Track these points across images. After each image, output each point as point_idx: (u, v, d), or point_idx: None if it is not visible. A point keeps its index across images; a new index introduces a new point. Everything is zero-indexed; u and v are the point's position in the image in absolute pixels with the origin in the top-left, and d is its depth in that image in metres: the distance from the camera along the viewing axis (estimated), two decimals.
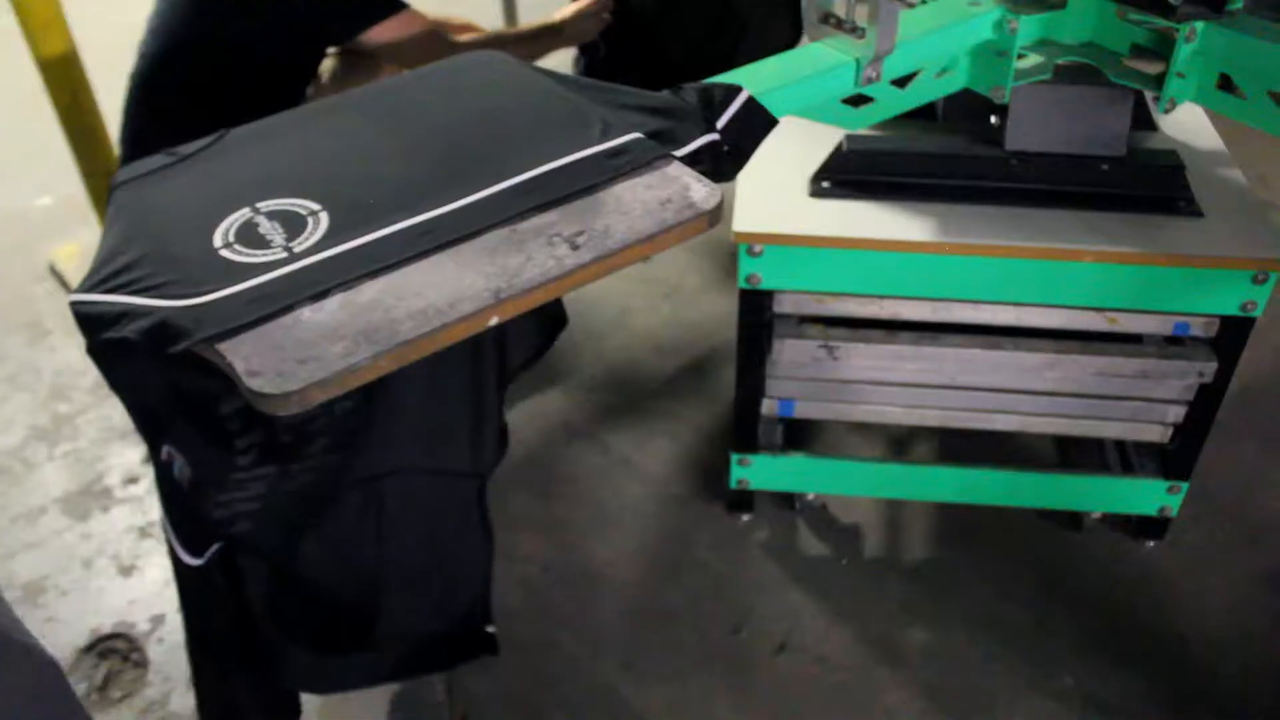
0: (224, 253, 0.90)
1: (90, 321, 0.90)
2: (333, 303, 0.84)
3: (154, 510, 2.14)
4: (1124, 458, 1.83)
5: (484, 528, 1.39)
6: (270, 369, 0.79)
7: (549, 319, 1.34)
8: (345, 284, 0.85)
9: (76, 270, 2.77)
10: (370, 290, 0.85)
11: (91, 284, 0.92)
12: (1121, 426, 1.67)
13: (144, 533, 2.11)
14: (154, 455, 1.12)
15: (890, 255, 1.48)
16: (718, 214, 0.93)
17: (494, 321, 0.84)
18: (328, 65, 2.21)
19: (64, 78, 2.41)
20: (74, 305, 0.92)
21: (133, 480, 2.24)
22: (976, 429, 1.71)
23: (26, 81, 2.64)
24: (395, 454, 1.19)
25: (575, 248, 0.88)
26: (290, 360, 0.79)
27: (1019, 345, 1.58)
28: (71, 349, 2.60)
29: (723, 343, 2.35)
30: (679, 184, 0.97)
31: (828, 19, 1.25)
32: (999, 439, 1.83)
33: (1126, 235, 1.48)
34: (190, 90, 1.93)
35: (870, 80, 1.22)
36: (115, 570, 2.03)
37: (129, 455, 2.28)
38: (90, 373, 2.49)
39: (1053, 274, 1.48)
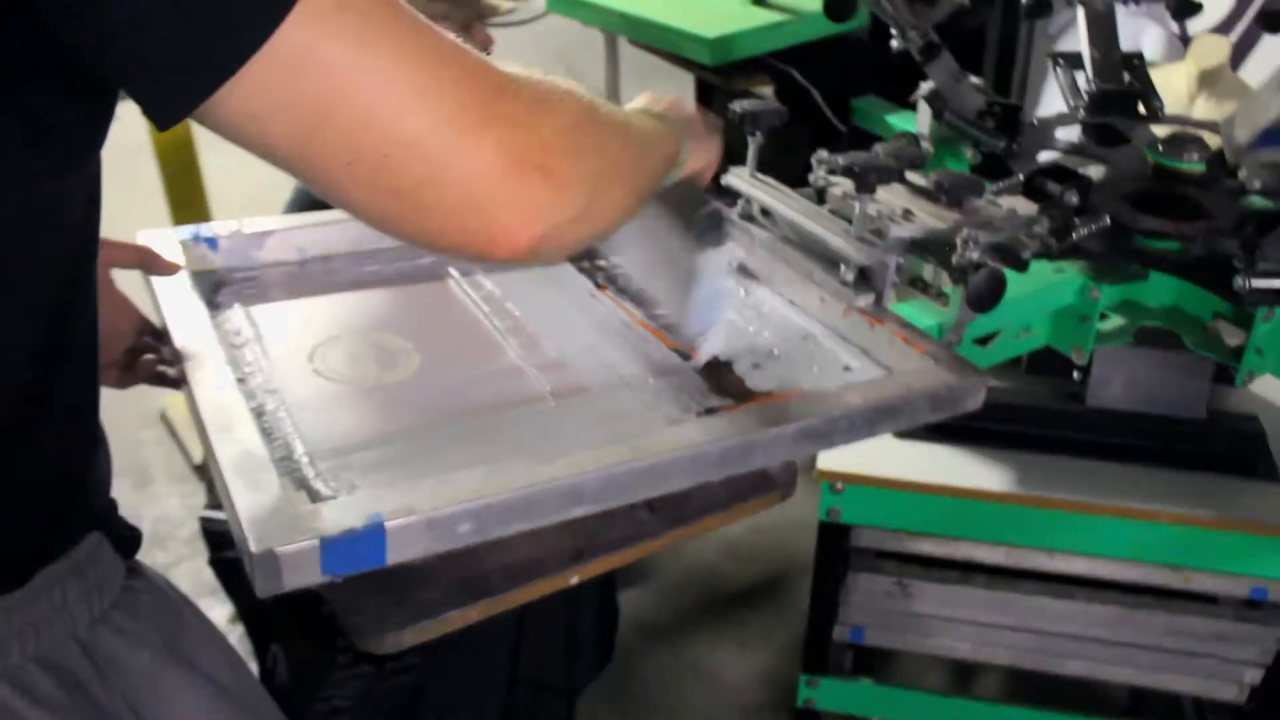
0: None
1: (213, 538, 0.98)
2: None
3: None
4: (1200, 712, 1.80)
5: None
6: (370, 609, 0.85)
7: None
8: None
9: (186, 420, 2.91)
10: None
11: (217, 501, 1.01)
12: (1195, 683, 1.66)
13: None
14: (259, 659, 1.19)
15: (967, 502, 1.52)
16: (792, 488, 0.99)
17: (574, 580, 0.90)
18: None
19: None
20: (202, 521, 1.00)
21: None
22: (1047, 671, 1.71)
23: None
24: (489, 663, 1.24)
25: (653, 511, 0.94)
26: (389, 603, 0.85)
27: (1091, 597, 1.59)
28: (173, 498, 2.72)
29: (799, 553, 2.38)
30: None
31: (915, 282, 1.32)
32: (1071, 680, 1.82)
33: (1204, 498, 1.50)
34: None
35: (952, 344, 1.29)
36: None
37: (217, 612, 2.37)
38: (188, 524, 2.61)
39: (1128, 531, 1.51)
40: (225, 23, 0.58)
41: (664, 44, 2.50)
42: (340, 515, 0.72)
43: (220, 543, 0.96)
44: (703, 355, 1.01)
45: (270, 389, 0.95)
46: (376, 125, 0.62)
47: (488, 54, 2.40)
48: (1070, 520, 1.51)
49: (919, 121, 1.70)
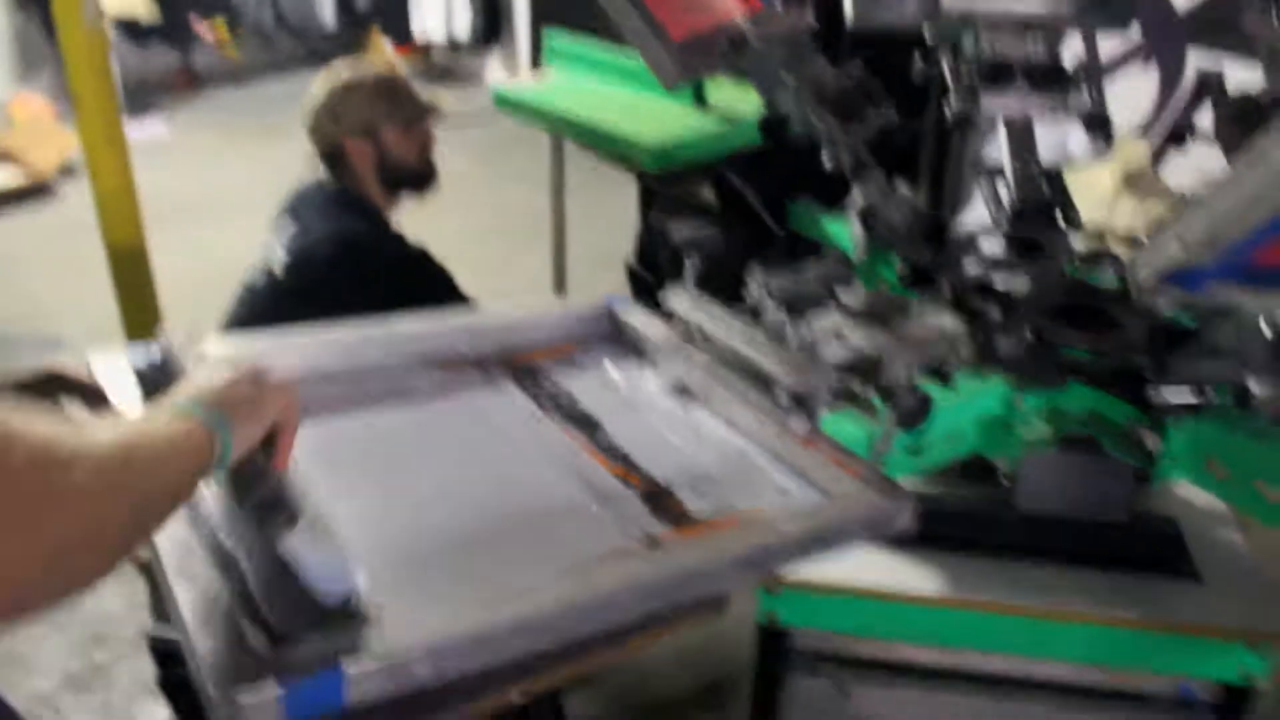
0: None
1: (160, 656, 0.98)
2: None
3: None
4: None
5: None
6: None
7: None
8: None
9: None
10: None
11: (161, 608, 1.02)
12: None
13: None
14: None
15: (904, 605, 1.56)
16: (729, 603, 1.02)
17: (515, 697, 0.92)
18: None
19: None
20: (150, 640, 1.01)
21: None
22: None
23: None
24: None
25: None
26: None
27: (1027, 696, 1.62)
28: (115, 598, 2.68)
29: (741, 655, 2.40)
30: None
31: (845, 393, 1.37)
32: None
33: (1129, 598, 1.54)
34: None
35: (880, 453, 1.33)
36: None
37: (159, 714, 2.33)
38: (131, 623, 2.57)
39: (1056, 631, 1.55)
40: None
41: (607, 147, 2.58)
42: (299, 660, 0.75)
43: (167, 660, 0.97)
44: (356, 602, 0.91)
45: (222, 525, 0.95)
46: None
47: (428, 151, 2.46)
48: (1003, 622, 1.55)
49: (851, 230, 1.77)
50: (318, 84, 2.43)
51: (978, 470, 1.66)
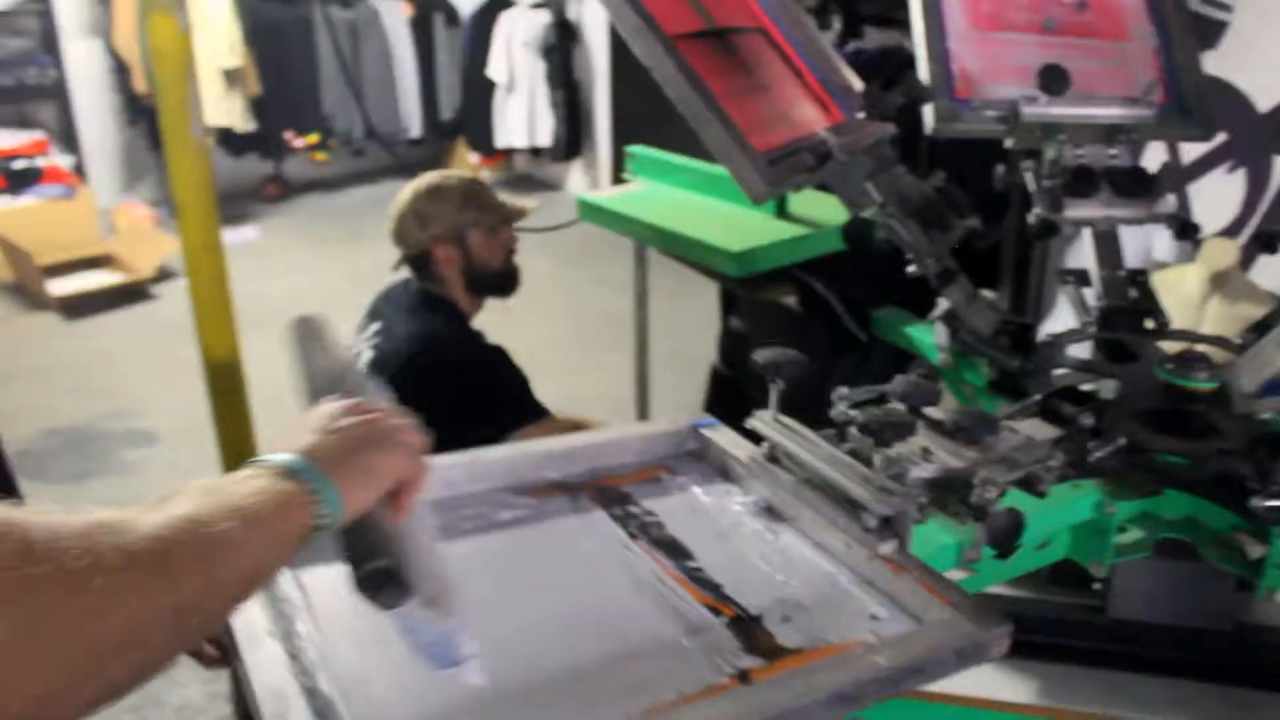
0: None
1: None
2: None
3: None
4: None
5: None
6: None
7: None
8: None
9: None
10: None
11: (240, 696, 1.03)
12: None
13: None
14: None
15: (990, 713, 1.52)
16: None
17: None
18: None
19: None
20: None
21: None
22: None
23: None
24: None
25: None
26: None
27: None
28: (194, 685, 2.71)
29: None
30: None
31: (939, 485, 1.36)
32: None
33: (1230, 711, 1.50)
34: None
35: (971, 560, 1.32)
36: None
37: None
38: (211, 712, 2.60)
39: None
40: None
41: (691, 255, 2.62)
42: None
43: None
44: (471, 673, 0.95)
45: (322, 664, 0.98)
46: None
47: (511, 254, 2.51)
48: None
49: (936, 336, 1.78)
50: (406, 191, 2.52)
51: (1069, 575, 1.64)
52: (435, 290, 2.50)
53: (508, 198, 2.59)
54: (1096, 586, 1.62)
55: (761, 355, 1.33)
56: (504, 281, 2.59)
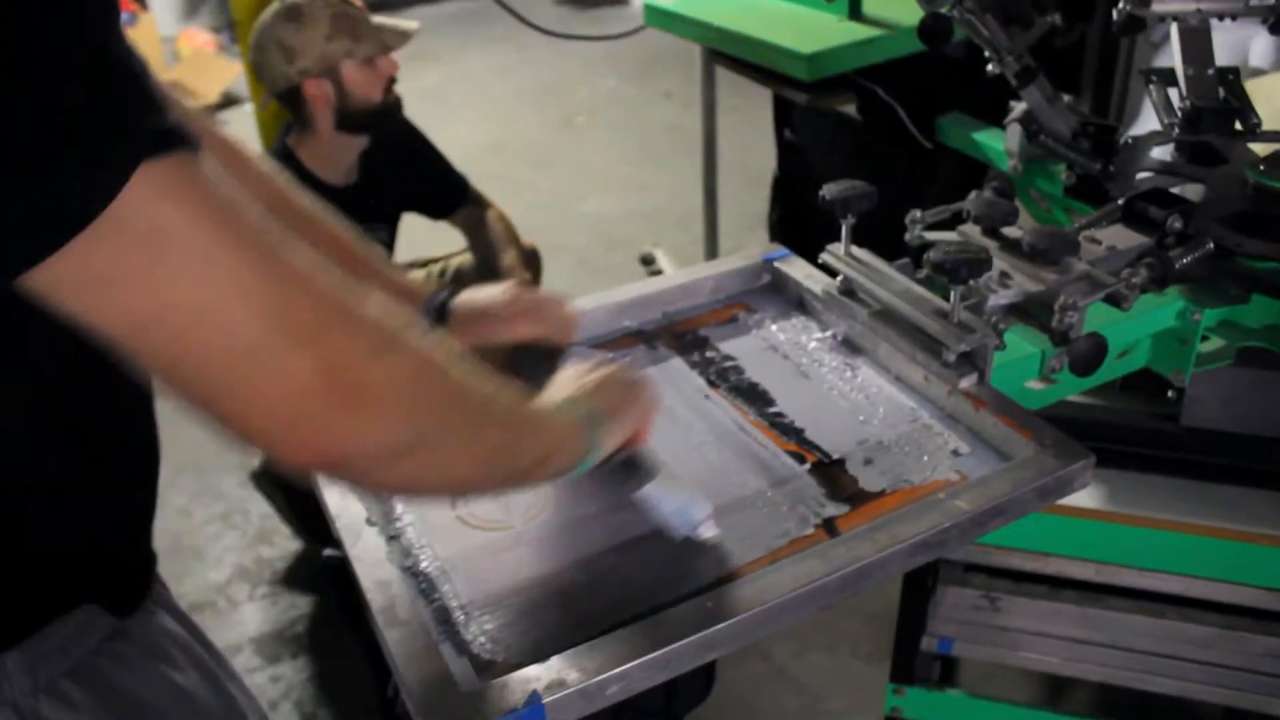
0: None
1: (342, 575, 1.03)
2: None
3: (338, 661, 2.30)
4: None
5: None
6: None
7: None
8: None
9: None
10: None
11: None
12: None
13: (323, 685, 2.26)
14: (379, 691, 1.25)
15: (1059, 518, 1.53)
16: None
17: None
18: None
19: None
20: (328, 558, 1.06)
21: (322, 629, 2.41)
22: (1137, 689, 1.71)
23: None
24: None
25: None
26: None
27: (1184, 616, 1.59)
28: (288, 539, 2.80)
29: None
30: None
31: (1019, 310, 1.33)
32: (1162, 698, 1.81)
33: None
34: None
35: (1054, 370, 1.30)
36: (298, 717, 2.19)
37: (322, 604, 2.46)
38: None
39: (1223, 551, 1.51)
40: (65, 184, 0.56)
41: (760, 59, 2.54)
42: (501, 695, 0.82)
43: (348, 581, 1.01)
44: (707, 532, 1.01)
45: (421, 544, 1.02)
46: (204, 332, 0.62)
47: (392, 81, 2.38)
48: (1163, 538, 1.52)
49: (1008, 141, 1.72)
50: (265, 15, 2.26)
51: (1143, 383, 1.62)
52: (290, 145, 2.32)
53: (384, 20, 2.32)
54: (1170, 395, 1.60)
55: (830, 190, 1.29)
56: (382, 120, 2.34)
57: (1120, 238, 1.39)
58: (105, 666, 0.87)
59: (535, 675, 0.83)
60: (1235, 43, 2.58)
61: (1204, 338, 1.47)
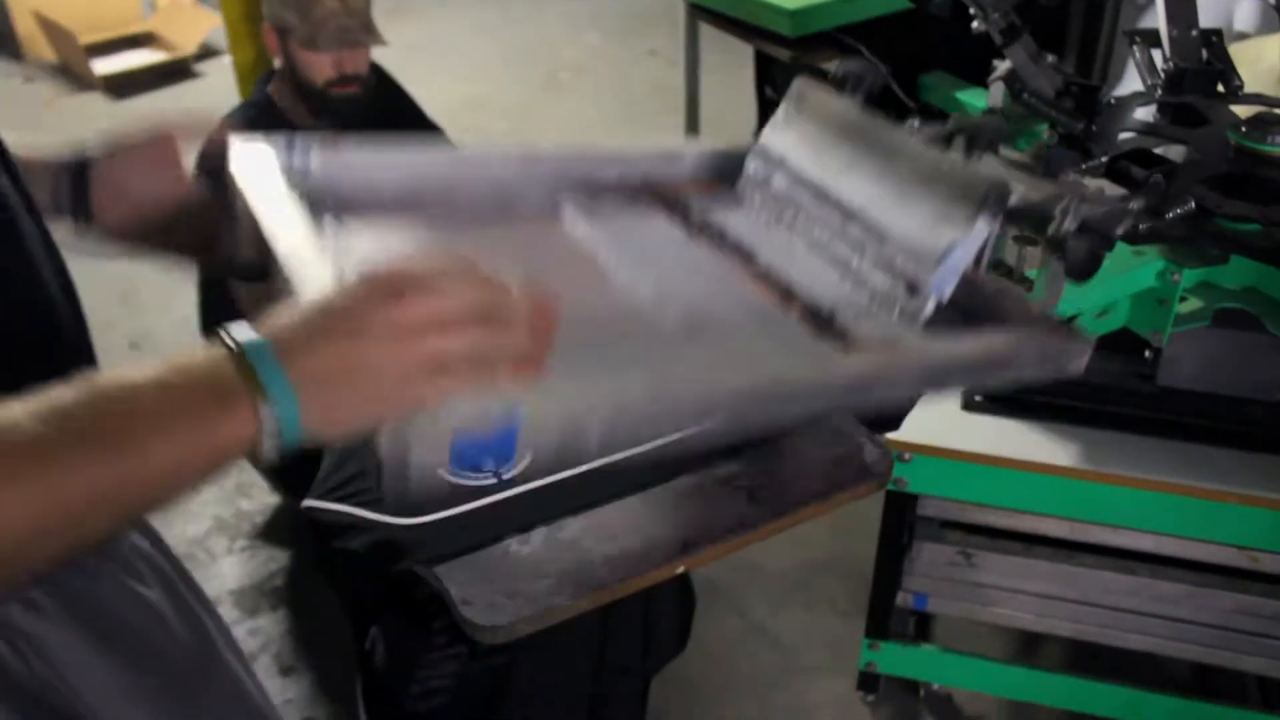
0: (441, 472, 0.98)
1: (321, 528, 1.01)
2: (537, 536, 0.91)
3: (316, 613, 2.30)
4: (1264, 692, 1.82)
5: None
6: (482, 600, 0.85)
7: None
8: (548, 519, 0.93)
9: None
10: (570, 528, 0.92)
11: (323, 491, 1.02)
12: (1262, 663, 1.67)
13: (302, 637, 2.26)
14: (359, 642, 1.26)
15: (1034, 475, 1.55)
16: (888, 476, 0.99)
17: (680, 570, 0.90)
18: None
19: None
20: (307, 510, 1.03)
21: (301, 582, 2.41)
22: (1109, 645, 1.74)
23: None
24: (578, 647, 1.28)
25: (754, 501, 0.94)
26: (499, 594, 0.86)
27: (1155, 573, 1.61)
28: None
29: (865, 520, 2.41)
30: (853, 443, 1.01)
31: (998, 266, 1.33)
32: (1134, 655, 1.84)
33: (1268, 479, 1.51)
34: None
35: (1049, 305, 1.30)
36: (276, 670, 2.19)
37: (301, 557, 2.46)
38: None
39: (1195, 509, 1.52)
40: None
41: (744, 15, 2.52)
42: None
43: (328, 532, 0.98)
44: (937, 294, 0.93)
45: None
46: None
47: (346, 80, 2.34)
48: (1136, 496, 1.53)
49: (990, 100, 1.71)
50: None
51: (1119, 343, 1.63)
52: (270, 94, 2.27)
53: (349, 20, 2.17)
54: (1147, 355, 1.61)
55: (842, 66, 1.23)
56: (321, 106, 2.22)
57: (1106, 191, 1.39)
58: (72, 576, 0.86)
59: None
60: (1219, 5, 2.58)
61: (1182, 299, 1.48)
